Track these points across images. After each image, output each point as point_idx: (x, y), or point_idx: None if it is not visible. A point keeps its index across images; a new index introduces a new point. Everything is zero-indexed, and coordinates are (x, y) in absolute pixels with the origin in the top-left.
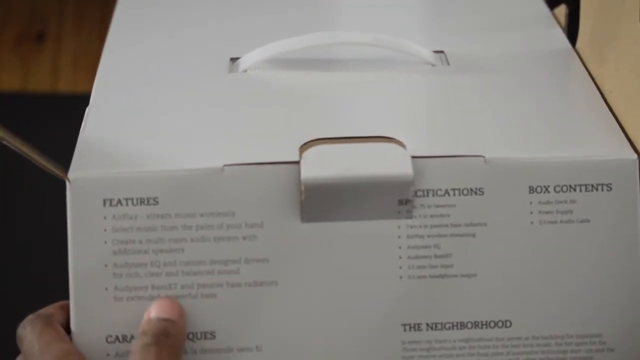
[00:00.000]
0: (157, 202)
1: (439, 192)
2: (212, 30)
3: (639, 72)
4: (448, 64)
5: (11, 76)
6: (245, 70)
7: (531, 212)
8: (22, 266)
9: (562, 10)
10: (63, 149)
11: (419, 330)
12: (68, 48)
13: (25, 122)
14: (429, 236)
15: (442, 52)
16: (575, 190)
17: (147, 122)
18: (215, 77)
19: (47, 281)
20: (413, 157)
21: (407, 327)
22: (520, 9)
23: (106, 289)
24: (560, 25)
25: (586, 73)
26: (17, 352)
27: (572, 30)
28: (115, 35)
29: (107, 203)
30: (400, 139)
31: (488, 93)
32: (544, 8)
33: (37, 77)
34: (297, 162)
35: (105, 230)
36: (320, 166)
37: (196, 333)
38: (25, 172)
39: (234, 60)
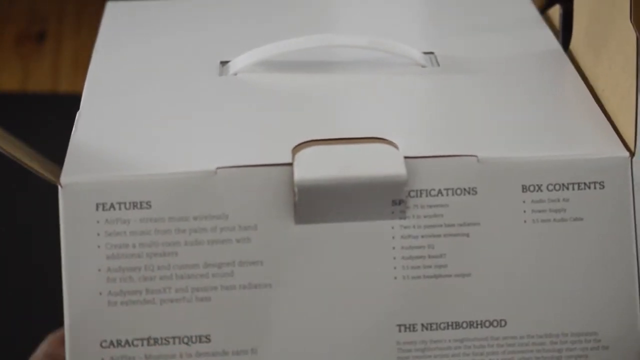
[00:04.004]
0: (150, 206)
1: (432, 192)
2: (202, 33)
3: (631, 70)
4: (438, 65)
5: (11, 76)
6: (236, 74)
7: (524, 211)
8: (22, 268)
9: (555, 10)
10: (63, 149)
11: (413, 330)
12: (68, 48)
13: (25, 122)
14: (422, 236)
15: (432, 53)
16: (568, 188)
17: (138, 126)
18: (206, 80)
19: (47, 280)
20: (406, 157)
21: (402, 328)
22: (508, 11)
23: (100, 293)
24: (551, 26)
25: (576, 73)
26: (18, 350)
27: (566, 30)
28: (105, 39)
29: (100, 207)
30: (393, 140)
31: (479, 93)
32: (533, 9)
33: (37, 77)
34: (290, 164)
35: (98, 234)
36: (313, 167)
37: (191, 337)
38: (22, 175)
39: (224, 63)
